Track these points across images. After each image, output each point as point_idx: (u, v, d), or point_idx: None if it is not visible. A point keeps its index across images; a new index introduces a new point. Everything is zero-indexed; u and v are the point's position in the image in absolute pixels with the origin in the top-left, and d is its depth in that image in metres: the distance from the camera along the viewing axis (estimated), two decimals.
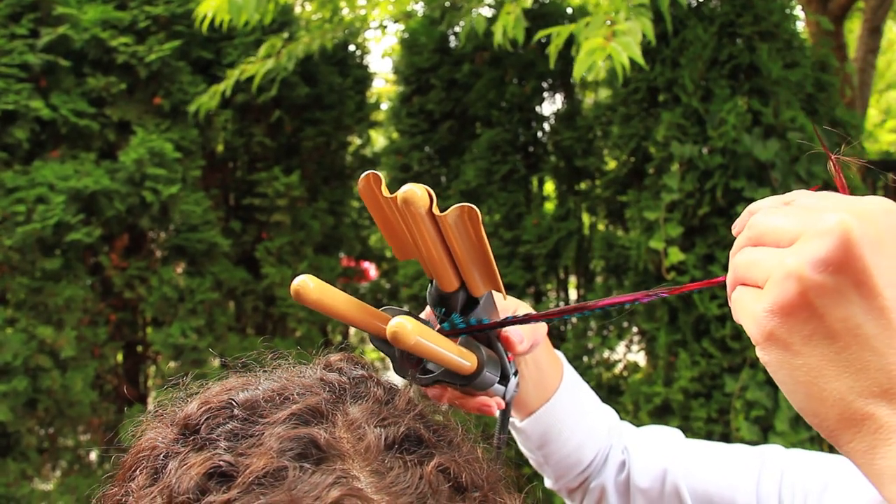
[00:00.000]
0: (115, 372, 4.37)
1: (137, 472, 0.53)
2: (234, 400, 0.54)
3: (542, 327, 0.86)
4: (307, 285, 0.61)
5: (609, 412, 1.05)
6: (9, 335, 3.75)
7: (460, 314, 0.71)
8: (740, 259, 0.57)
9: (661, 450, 1.00)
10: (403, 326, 0.59)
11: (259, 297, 4.58)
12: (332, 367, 0.62)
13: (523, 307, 0.84)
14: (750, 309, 0.54)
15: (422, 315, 0.78)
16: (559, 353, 1.00)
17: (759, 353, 0.54)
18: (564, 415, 0.97)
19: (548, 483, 1.05)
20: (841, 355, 0.50)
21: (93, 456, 4.22)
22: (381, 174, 0.64)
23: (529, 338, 0.80)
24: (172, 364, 4.22)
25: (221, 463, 0.48)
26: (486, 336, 0.75)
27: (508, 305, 0.82)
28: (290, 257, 4.57)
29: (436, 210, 0.60)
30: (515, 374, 0.82)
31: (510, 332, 0.77)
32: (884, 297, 0.50)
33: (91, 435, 4.17)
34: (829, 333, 0.51)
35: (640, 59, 2.32)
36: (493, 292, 0.74)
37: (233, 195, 4.85)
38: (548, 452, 0.99)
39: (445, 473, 0.53)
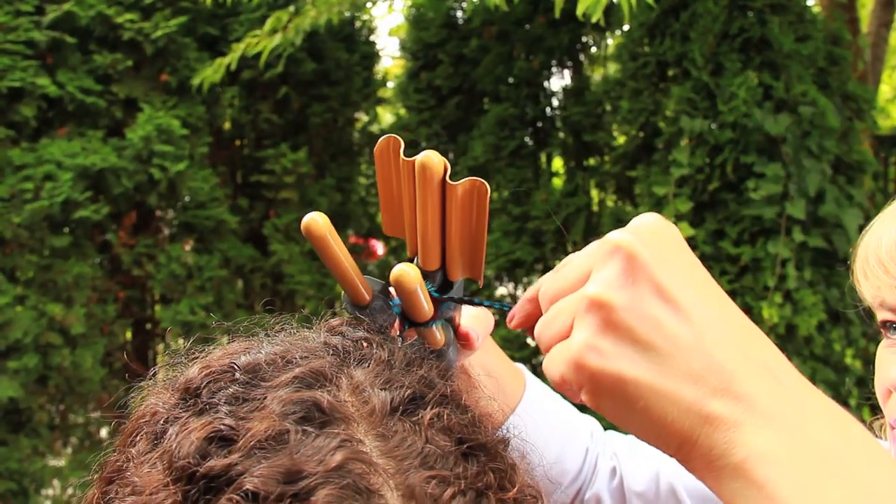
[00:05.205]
0: (125, 349, 4.39)
1: (138, 438, 0.52)
2: (235, 364, 0.53)
3: (491, 322, 0.82)
4: (317, 220, 0.60)
5: (589, 420, 1.02)
6: (19, 313, 3.76)
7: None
8: (540, 324, 0.56)
9: (649, 451, 0.98)
10: (407, 273, 0.60)
11: (267, 274, 4.59)
12: (335, 331, 0.60)
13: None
14: (565, 356, 0.52)
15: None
16: (520, 366, 0.97)
17: (587, 399, 0.52)
18: (534, 425, 0.92)
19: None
20: (668, 366, 0.49)
21: (103, 432, 4.25)
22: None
23: (483, 334, 0.77)
24: (181, 341, 4.23)
25: (222, 427, 0.47)
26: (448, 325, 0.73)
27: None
28: (297, 234, 4.57)
29: (448, 179, 0.60)
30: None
31: (469, 329, 0.75)
32: (684, 300, 0.50)
33: (101, 412, 4.20)
34: (648, 347, 0.49)
35: None
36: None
37: (240, 172, 4.84)
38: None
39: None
